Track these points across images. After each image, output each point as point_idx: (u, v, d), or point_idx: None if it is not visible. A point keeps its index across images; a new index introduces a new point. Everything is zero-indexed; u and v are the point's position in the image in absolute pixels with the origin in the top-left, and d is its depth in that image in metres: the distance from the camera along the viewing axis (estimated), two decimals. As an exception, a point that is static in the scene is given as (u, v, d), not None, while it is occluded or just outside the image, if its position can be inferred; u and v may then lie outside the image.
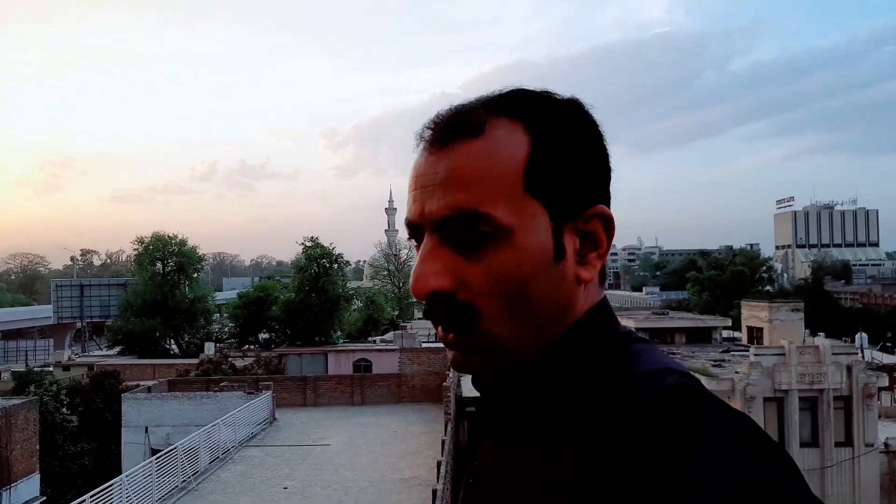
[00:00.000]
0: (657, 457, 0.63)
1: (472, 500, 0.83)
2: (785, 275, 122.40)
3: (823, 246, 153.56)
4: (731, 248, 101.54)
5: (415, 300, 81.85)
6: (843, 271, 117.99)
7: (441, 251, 0.76)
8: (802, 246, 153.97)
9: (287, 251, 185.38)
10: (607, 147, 0.82)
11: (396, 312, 68.37)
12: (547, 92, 0.81)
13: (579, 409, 0.71)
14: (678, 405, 0.67)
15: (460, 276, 0.75)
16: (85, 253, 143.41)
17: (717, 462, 0.61)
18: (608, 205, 0.81)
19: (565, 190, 0.77)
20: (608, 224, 0.79)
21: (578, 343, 0.77)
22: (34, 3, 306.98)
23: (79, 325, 70.86)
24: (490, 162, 0.75)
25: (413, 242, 0.82)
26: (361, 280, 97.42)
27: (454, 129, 0.77)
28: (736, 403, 21.08)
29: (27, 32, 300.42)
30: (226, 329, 56.52)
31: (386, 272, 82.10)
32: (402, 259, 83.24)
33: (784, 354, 21.76)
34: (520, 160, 0.75)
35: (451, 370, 27.71)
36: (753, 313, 29.64)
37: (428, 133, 0.80)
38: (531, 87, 0.81)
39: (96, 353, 60.60)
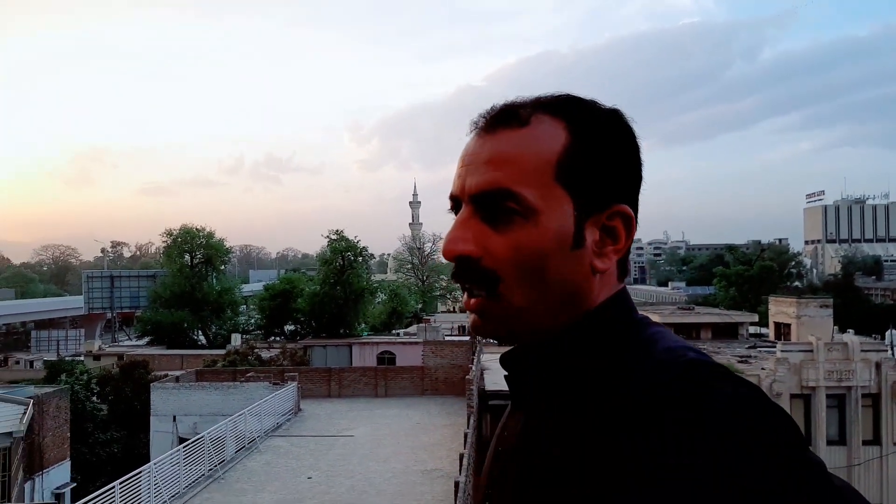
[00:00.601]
0: (668, 430, 0.68)
1: (497, 469, 0.91)
2: (814, 270, 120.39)
3: (854, 241, 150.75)
4: (759, 242, 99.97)
5: (438, 294, 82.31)
6: (875, 267, 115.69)
7: (473, 221, 0.85)
8: (832, 241, 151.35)
9: (312, 244, 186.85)
10: (641, 156, 0.89)
11: (420, 306, 68.55)
12: (594, 101, 0.89)
13: (599, 386, 0.78)
14: (695, 375, 0.72)
15: (486, 244, 0.83)
16: (115, 245, 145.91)
17: (725, 439, 0.66)
18: (634, 207, 0.88)
19: (592, 186, 0.84)
20: (629, 223, 0.86)
21: (599, 325, 0.85)
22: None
23: (109, 315, 72.15)
24: (528, 149, 0.84)
25: (453, 215, 0.90)
26: (385, 273, 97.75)
27: (503, 118, 0.87)
28: (762, 400, 20.83)
29: (61, 25, 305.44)
30: (252, 321, 57.14)
31: (410, 265, 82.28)
32: (426, 252, 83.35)
33: (812, 351, 21.47)
34: (555, 152, 0.84)
35: (475, 365, 27.78)
36: (781, 309, 29.26)
37: (481, 121, 0.89)
38: (580, 95, 0.90)
39: (126, 343, 61.64)
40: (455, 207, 0.89)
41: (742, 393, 0.70)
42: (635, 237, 0.90)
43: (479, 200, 0.84)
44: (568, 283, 0.84)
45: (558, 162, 0.83)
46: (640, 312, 0.88)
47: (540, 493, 0.78)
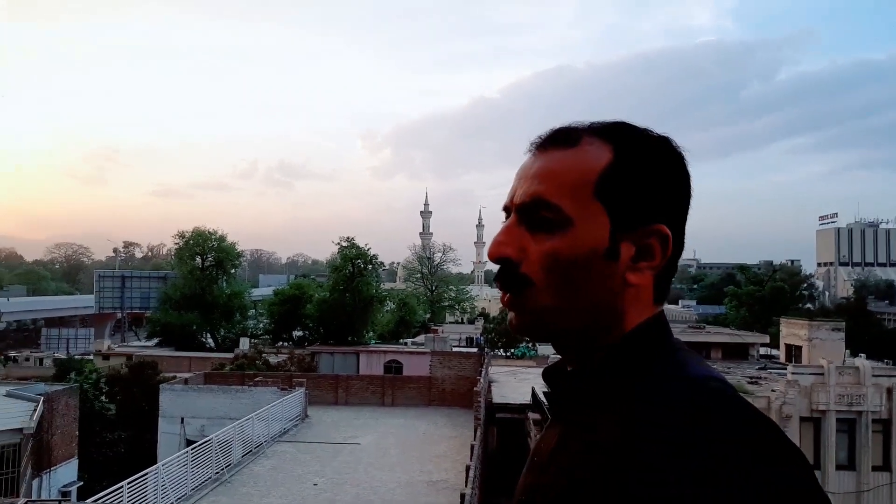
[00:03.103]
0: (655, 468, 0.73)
1: (529, 478, 0.95)
2: (826, 293, 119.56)
3: (867, 265, 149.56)
4: (771, 263, 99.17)
5: (447, 304, 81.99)
6: (888, 291, 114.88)
7: (517, 228, 0.93)
8: (845, 264, 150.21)
9: (323, 250, 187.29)
10: (689, 182, 0.95)
11: (428, 315, 68.54)
12: (646, 129, 0.96)
13: (620, 410, 0.82)
14: (702, 406, 0.78)
15: (526, 249, 0.91)
16: (127, 245, 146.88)
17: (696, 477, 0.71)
18: (677, 230, 0.92)
19: (630, 204, 0.90)
20: (665, 242, 0.90)
21: (636, 349, 0.89)
22: None
23: (119, 315, 72.55)
24: (572, 166, 0.91)
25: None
26: (394, 282, 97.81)
27: (555, 139, 0.95)
28: (771, 422, 20.69)
29: (77, 25, 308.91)
30: (261, 325, 57.32)
31: (419, 275, 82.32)
32: (436, 262, 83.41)
33: (823, 374, 21.31)
34: (596, 170, 0.90)
35: (483, 377, 27.76)
36: (793, 331, 29.10)
37: (537, 141, 0.97)
38: (636, 124, 0.96)
39: (135, 343, 61.90)
40: (507, 217, 0.98)
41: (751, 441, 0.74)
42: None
43: (523, 210, 0.92)
44: (597, 293, 0.89)
45: (598, 178, 0.89)
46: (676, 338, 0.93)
47: None
